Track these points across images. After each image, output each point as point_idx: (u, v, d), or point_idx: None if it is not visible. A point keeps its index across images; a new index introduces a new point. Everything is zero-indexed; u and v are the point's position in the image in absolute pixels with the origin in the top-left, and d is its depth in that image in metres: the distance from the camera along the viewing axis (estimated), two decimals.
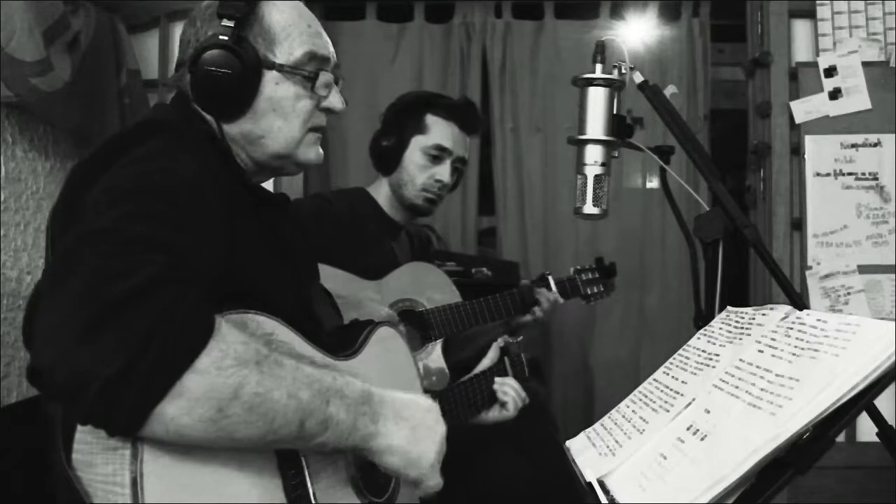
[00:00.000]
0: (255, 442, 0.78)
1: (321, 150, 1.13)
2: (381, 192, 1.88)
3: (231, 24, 1.00)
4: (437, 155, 1.81)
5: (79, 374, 0.68)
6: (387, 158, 1.84)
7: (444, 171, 1.81)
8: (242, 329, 0.80)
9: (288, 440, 0.80)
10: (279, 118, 1.05)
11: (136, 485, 0.74)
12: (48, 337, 0.71)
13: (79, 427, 0.77)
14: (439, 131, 1.82)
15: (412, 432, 0.91)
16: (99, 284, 0.71)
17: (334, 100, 1.10)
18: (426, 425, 0.93)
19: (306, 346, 0.98)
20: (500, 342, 1.52)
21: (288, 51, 1.05)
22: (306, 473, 0.89)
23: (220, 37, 1.00)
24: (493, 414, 1.42)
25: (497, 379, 1.43)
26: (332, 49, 1.11)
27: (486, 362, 1.48)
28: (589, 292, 2.00)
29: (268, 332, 0.88)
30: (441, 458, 0.95)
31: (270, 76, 1.04)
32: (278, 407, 0.77)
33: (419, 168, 1.81)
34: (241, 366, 0.75)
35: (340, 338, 1.13)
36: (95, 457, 0.77)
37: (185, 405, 0.71)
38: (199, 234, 0.83)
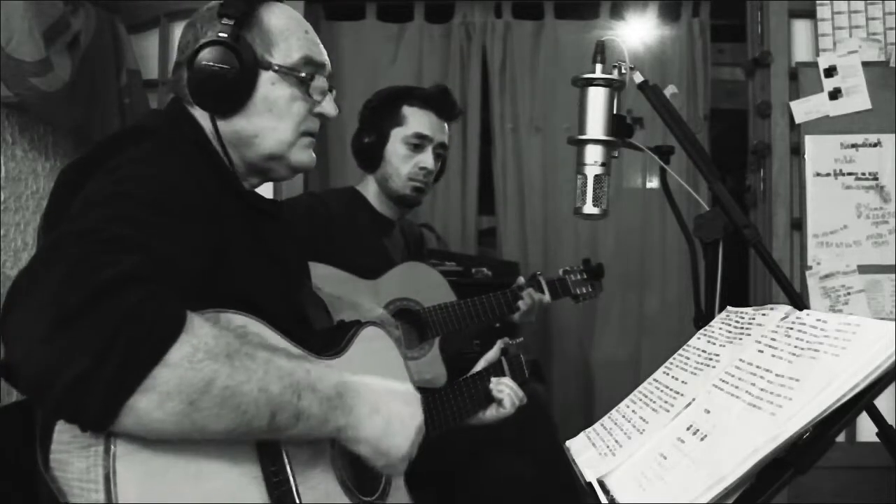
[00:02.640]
0: (226, 434, 0.78)
1: (314, 155, 1.14)
2: (369, 190, 1.89)
3: (231, 22, 1.02)
4: (418, 143, 1.82)
5: (48, 369, 0.69)
6: (369, 155, 1.86)
7: (427, 159, 1.83)
8: (214, 323, 0.80)
9: (259, 432, 0.81)
10: (273, 118, 1.07)
11: (108, 481, 0.74)
12: (19, 333, 0.71)
13: (56, 427, 0.78)
14: (417, 120, 1.83)
15: (386, 425, 0.92)
16: (69, 282, 0.72)
17: (328, 106, 1.12)
18: (401, 418, 0.94)
19: (289, 346, 0.98)
20: (500, 344, 1.51)
21: (285, 53, 1.07)
22: (289, 470, 0.89)
23: (220, 34, 1.02)
24: (491, 413, 1.42)
25: (493, 379, 1.43)
26: (327, 58, 1.13)
27: (484, 363, 1.48)
28: (578, 293, 2.02)
29: (240, 325, 0.87)
30: (414, 447, 0.97)
31: (267, 76, 1.05)
32: (249, 400, 0.78)
33: (402, 159, 1.82)
34: (211, 359, 0.75)
35: (326, 338, 1.13)
36: (71, 455, 0.77)
37: (156, 399, 0.72)
38: (179, 238, 0.84)
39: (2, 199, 1.90)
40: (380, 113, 1.85)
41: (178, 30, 2.47)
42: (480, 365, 1.47)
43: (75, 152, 2.20)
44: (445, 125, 1.89)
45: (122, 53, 2.24)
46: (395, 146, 1.83)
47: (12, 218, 1.95)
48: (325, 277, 1.59)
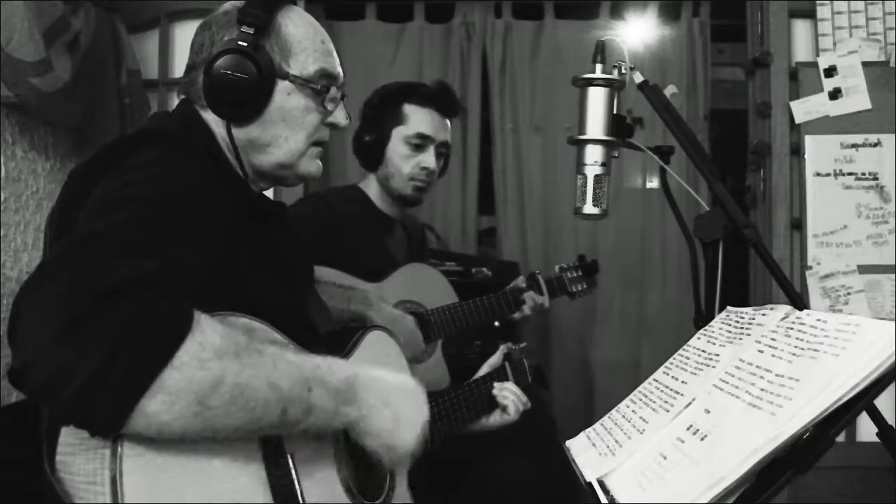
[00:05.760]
0: (238, 431, 0.79)
1: (321, 164, 1.15)
2: (371, 188, 1.89)
3: (250, 30, 1.02)
4: (420, 143, 1.81)
5: (56, 374, 0.69)
6: (371, 154, 1.84)
7: (428, 159, 1.82)
8: (221, 321, 0.80)
9: (271, 427, 0.81)
10: (287, 128, 1.08)
11: (115, 483, 0.74)
12: (28, 338, 0.71)
13: (63, 430, 0.77)
14: (418, 119, 1.81)
15: (395, 419, 0.93)
16: (76, 287, 0.71)
17: (339, 115, 1.13)
18: (409, 413, 0.95)
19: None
20: (503, 348, 1.51)
21: (302, 64, 1.07)
22: (293, 472, 0.89)
23: (239, 42, 1.02)
24: (495, 418, 1.42)
25: (496, 384, 1.42)
26: (341, 69, 1.14)
27: (487, 368, 1.47)
28: (574, 290, 2.02)
29: (247, 323, 0.88)
30: (420, 443, 0.97)
31: (283, 86, 1.06)
32: (259, 396, 0.78)
33: (403, 158, 1.81)
34: (220, 358, 0.75)
35: (332, 343, 1.13)
36: (77, 457, 0.77)
37: (165, 400, 0.72)
38: (187, 242, 0.84)
39: (2, 199, 1.90)
40: (380, 111, 1.84)
41: (178, 30, 2.49)
42: (484, 370, 1.47)
43: (75, 152, 2.20)
44: (447, 122, 1.87)
45: (122, 53, 2.24)
46: (397, 145, 1.81)
47: (12, 218, 1.95)
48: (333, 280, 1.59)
